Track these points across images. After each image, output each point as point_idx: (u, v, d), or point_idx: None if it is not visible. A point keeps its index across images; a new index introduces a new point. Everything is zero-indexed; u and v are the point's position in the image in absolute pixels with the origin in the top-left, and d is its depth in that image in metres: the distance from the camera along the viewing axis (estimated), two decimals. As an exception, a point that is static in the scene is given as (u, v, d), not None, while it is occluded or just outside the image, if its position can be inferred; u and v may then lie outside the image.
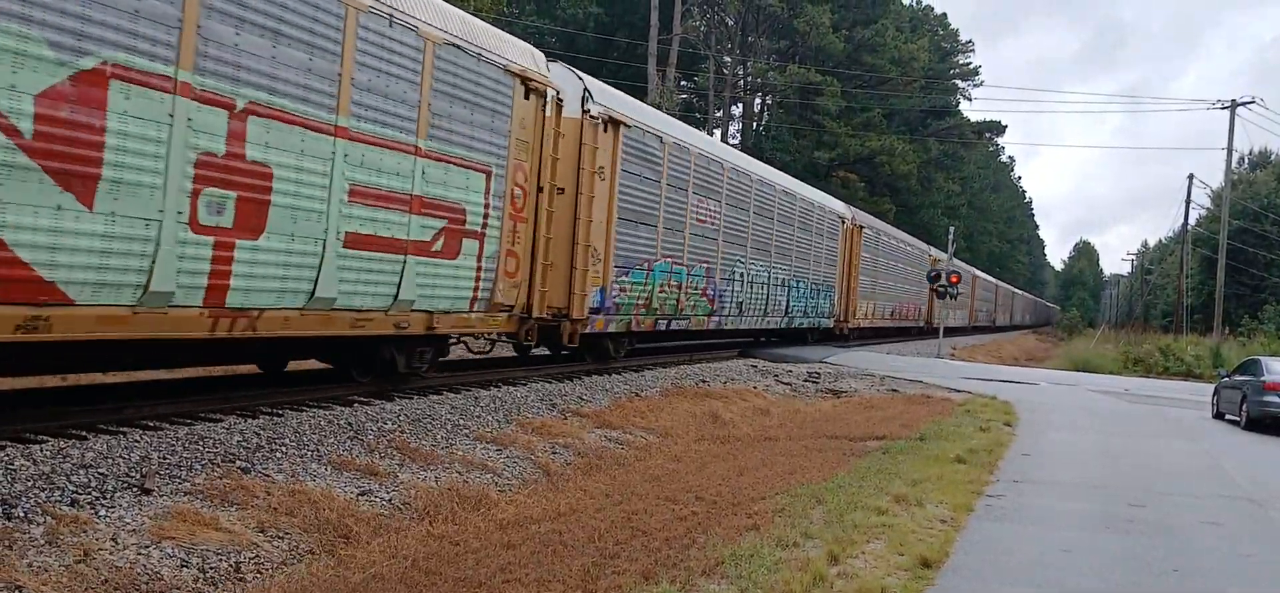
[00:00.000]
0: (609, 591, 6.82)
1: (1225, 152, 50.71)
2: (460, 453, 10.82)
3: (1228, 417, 21.41)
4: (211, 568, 6.76)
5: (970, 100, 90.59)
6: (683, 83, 61.88)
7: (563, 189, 16.18)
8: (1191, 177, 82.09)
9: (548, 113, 15.24)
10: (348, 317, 11.39)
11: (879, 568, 7.50)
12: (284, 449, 9.49)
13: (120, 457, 8.24)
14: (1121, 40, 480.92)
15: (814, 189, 33.66)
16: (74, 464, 7.84)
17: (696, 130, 26.51)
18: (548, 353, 18.87)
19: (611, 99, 18.34)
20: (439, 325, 13.03)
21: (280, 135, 10.08)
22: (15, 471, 7.47)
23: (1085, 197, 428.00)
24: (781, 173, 30.80)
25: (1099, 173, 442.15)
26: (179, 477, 8.15)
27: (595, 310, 17.70)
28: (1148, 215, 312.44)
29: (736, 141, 62.85)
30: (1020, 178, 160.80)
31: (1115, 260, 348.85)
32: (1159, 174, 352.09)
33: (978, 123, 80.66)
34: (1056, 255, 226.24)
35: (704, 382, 19.79)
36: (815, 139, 61.85)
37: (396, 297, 11.99)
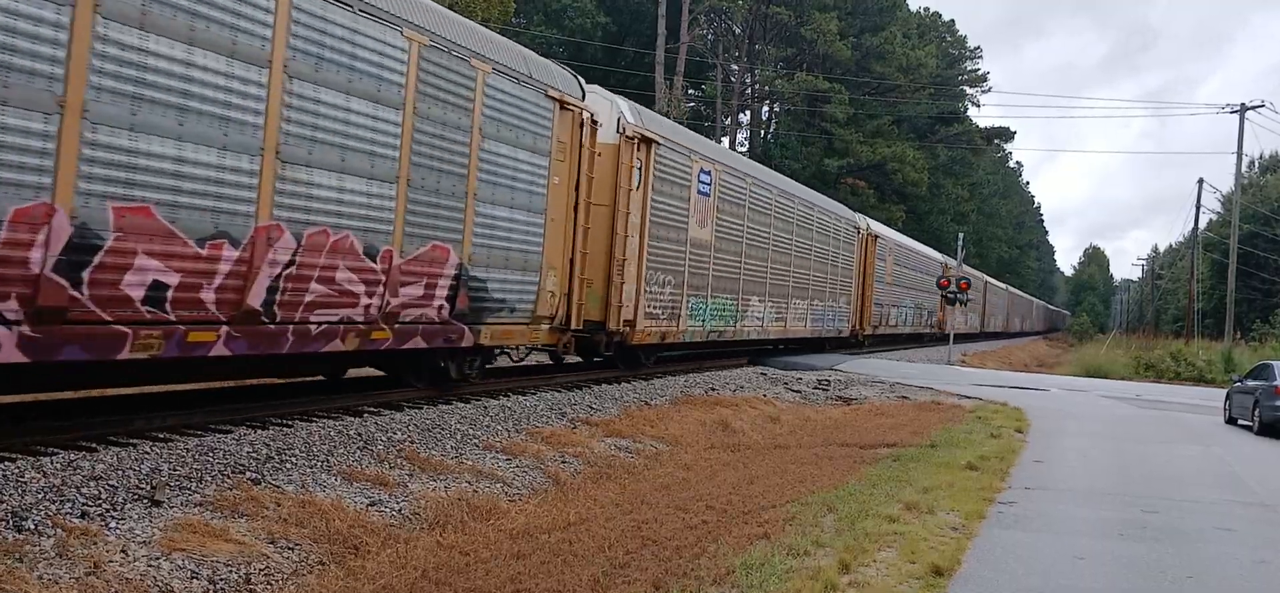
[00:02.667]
0: (619, 600, 6.79)
1: (1235, 156, 50.60)
2: (470, 463, 10.81)
3: (1240, 422, 21.30)
4: (222, 579, 6.75)
5: (979, 106, 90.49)
6: (690, 91, 61.88)
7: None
8: (1201, 181, 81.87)
9: (860, 236, 36.53)
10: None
11: (891, 576, 7.46)
12: (294, 460, 9.49)
13: (130, 469, 8.25)
14: (1148, 44, 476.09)
15: (921, 244, 52.98)
16: (84, 476, 7.84)
17: (901, 234, 48.31)
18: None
19: (873, 225, 40.07)
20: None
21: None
22: (25, 483, 7.48)
23: (1106, 201, 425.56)
24: (924, 246, 53.34)
25: (1119, 177, 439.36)
26: (189, 488, 8.15)
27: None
28: (1164, 219, 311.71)
29: (744, 149, 62.86)
30: (1028, 183, 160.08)
31: (1127, 265, 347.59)
32: (1177, 178, 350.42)
33: (986, 129, 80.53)
34: (1074, 261, 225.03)
35: (713, 390, 19.76)
36: (824, 146, 61.80)
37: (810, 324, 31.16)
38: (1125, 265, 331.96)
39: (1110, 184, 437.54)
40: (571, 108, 15.54)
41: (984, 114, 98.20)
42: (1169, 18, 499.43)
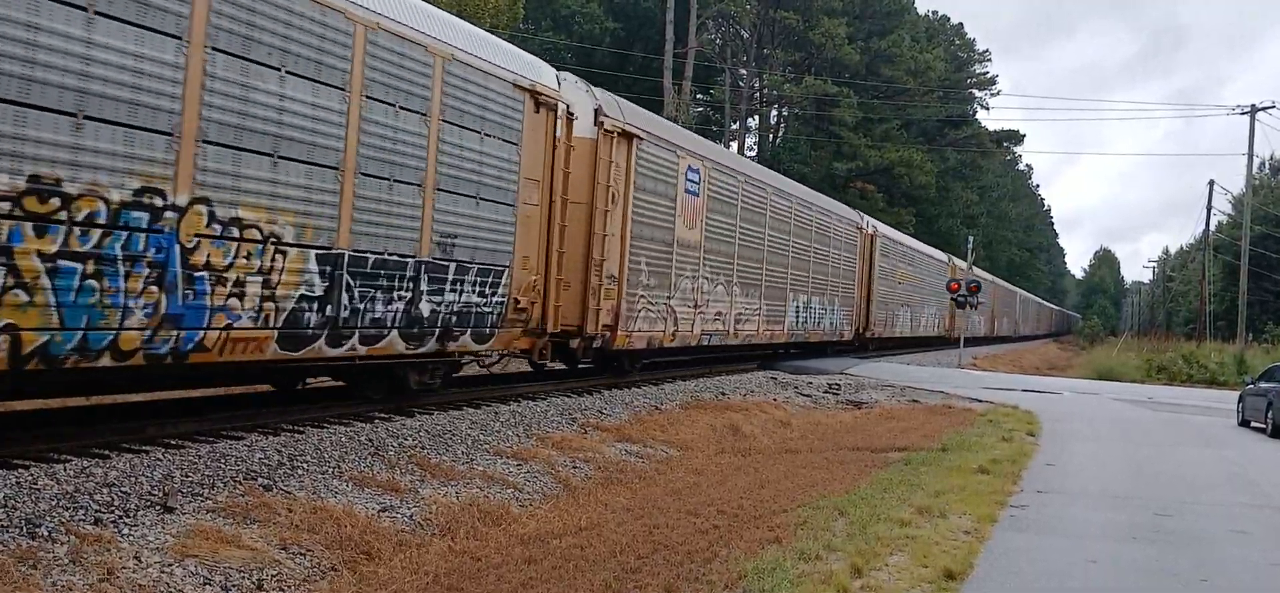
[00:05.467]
0: (631, 605, 6.79)
1: (1246, 157, 50.42)
2: (480, 468, 10.82)
3: (1253, 425, 21.19)
4: (234, 586, 6.77)
5: (987, 109, 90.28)
6: (698, 96, 61.89)
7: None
8: (1211, 182, 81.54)
9: (949, 267, 50.52)
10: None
11: (902, 580, 7.44)
12: (305, 466, 9.51)
13: (143, 475, 8.27)
14: (1179, 43, 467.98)
15: (985, 272, 60.56)
16: (97, 483, 7.87)
17: (973, 264, 52.25)
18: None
19: (955, 260, 52.49)
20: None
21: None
22: (39, 490, 7.50)
23: (1124, 204, 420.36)
24: (986, 273, 61.63)
25: (1138, 180, 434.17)
26: (201, 495, 8.18)
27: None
28: (1181, 222, 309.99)
29: (753, 154, 62.84)
30: (1039, 186, 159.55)
31: (1138, 268, 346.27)
32: (1195, 180, 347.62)
33: (995, 132, 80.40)
34: (1088, 264, 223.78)
35: (723, 394, 19.74)
36: (833, 150, 61.75)
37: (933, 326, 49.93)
38: (1139, 268, 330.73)
39: (1129, 187, 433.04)
40: (857, 226, 33.79)
41: (1002, 117, 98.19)
42: (1200, 16, 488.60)
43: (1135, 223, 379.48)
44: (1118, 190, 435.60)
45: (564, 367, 18.33)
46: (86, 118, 8.10)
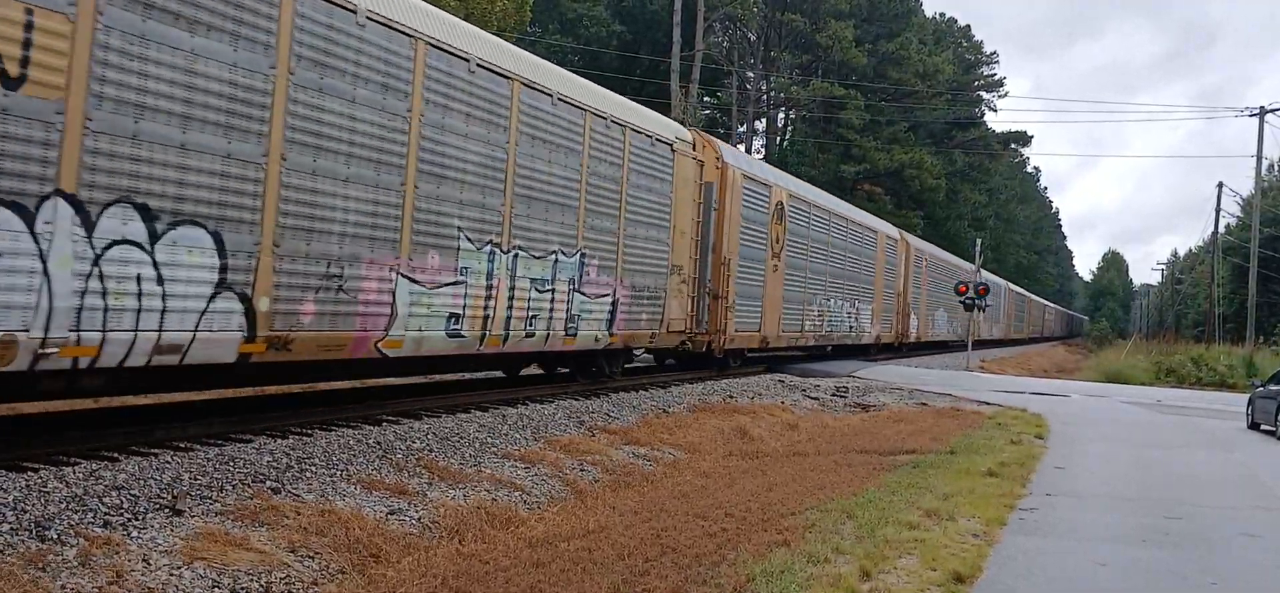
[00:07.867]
0: (639, 608, 6.78)
1: (1255, 159, 50.26)
2: (489, 471, 10.82)
3: (1263, 427, 21.09)
4: (243, 589, 6.77)
5: (995, 111, 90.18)
6: (706, 99, 61.89)
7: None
8: (1220, 184, 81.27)
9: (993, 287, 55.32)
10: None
11: (911, 583, 7.42)
12: (313, 469, 9.52)
13: (152, 478, 8.29)
14: (1208, 41, 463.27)
15: (1025, 289, 75.97)
16: (106, 486, 7.89)
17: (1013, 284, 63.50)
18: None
19: (1010, 286, 74.77)
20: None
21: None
22: (48, 493, 7.53)
23: (1139, 206, 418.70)
24: (1024, 290, 73.66)
25: (1154, 183, 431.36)
26: (210, 498, 8.19)
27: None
28: (1193, 224, 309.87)
29: (761, 155, 62.79)
30: (1047, 188, 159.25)
31: (1148, 270, 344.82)
32: (1208, 183, 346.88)
33: (1003, 133, 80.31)
34: (1096, 266, 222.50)
35: (731, 397, 19.72)
36: (841, 153, 61.71)
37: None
38: (1149, 271, 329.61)
39: (1145, 190, 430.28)
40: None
41: (1020, 119, 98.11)
42: (1230, 14, 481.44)
43: (1149, 226, 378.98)
44: (1133, 193, 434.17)
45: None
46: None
